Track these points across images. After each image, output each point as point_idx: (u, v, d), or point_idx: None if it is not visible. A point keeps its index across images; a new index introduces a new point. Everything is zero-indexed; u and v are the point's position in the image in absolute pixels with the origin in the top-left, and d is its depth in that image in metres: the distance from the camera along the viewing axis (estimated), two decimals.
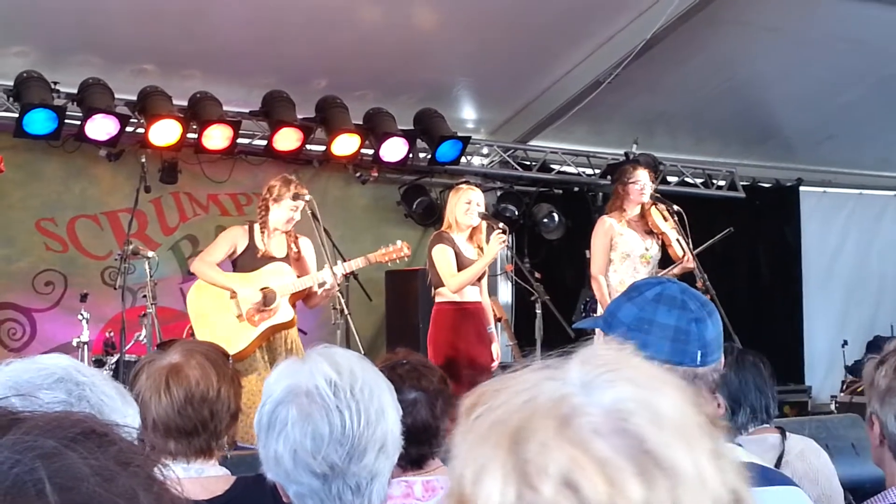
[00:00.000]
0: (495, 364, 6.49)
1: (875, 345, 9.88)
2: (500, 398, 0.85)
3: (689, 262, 6.53)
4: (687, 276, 6.48)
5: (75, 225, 7.73)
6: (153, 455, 0.79)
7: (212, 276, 6.02)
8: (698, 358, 1.91)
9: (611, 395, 0.82)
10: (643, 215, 6.78)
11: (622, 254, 6.68)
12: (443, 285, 6.42)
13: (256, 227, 6.13)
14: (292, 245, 6.17)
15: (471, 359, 6.36)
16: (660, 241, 6.78)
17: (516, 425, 0.81)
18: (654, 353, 1.90)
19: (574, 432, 0.80)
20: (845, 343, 10.13)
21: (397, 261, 6.49)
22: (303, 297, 6.18)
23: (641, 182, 6.73)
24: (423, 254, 8.57)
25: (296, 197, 6.04)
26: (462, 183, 7.03)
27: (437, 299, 6.53)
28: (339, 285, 6.11)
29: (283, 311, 6.05)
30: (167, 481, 0.77)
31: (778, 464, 3.06)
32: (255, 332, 5.98)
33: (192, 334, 6.20)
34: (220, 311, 5.98)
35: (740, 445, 2.00)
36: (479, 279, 6.51)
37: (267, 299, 5.99)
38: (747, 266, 10.55)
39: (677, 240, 6.59)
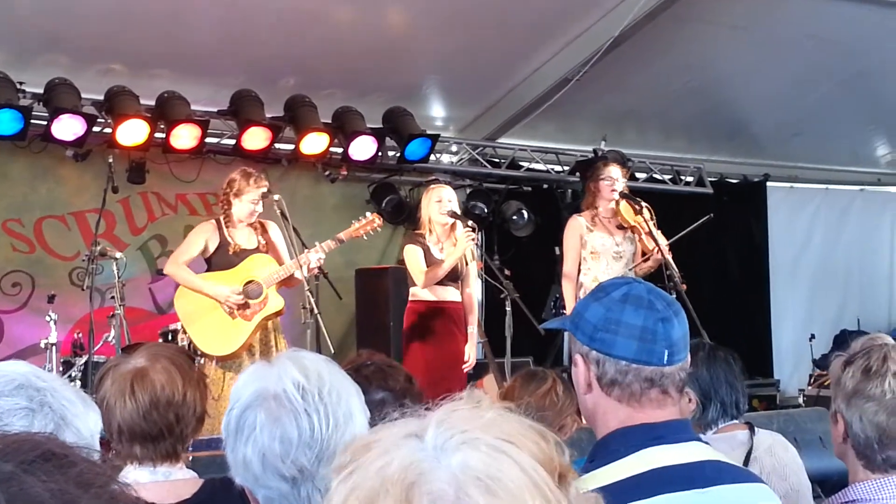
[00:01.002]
0: (468, 365, 6.49)
1: (842, 339, 10.00)
2: (363, 459, 0.90)
3: (659, 255, 6.55)
4: (660, 270, 6.53)
5: (42, 225, 7.66)
6: (116, 474, 0.78)
7: (189, 280, 6.01)
8: (665, 357, 1.91)
9: (457, 460, 0.89)
10: (615, 212, 6.81)
11: (592, 252, 6.70)
12: (415, 284, 6.43)
13: (223, 221, 6.13)
14: (260, 238, 6.18)
15: (442, 357, 6.36)
16: (633, 237, 6.79)
17: (368, 494, 0.87)
18: (621, 353, 1.91)
19: (416, 501, 0.86)
20: (812, 337, 10.23)
21: (371, 232, 6.48)
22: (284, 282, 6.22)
23: (612, 178, 6.75)
24: (392, 252, 8.55)
25: (265, 196, 6.05)
26: (433, 182, 7.02)
27: (410, 298, 6.54)
28: (308, 283, 6.12)
29: (274, 301, 6.09)
30: (131, 500, 0.76)
31: (747, 460, 3.08)
32: (251, 325, 6.02)
33: (174, 337, 6.21)
34: (210, 310, 5.99)
35: (707, 444, 2.00)
36: (458, 280, 6.51)
37: (253, 293, 5.99)
38: (715, 261, 10.61)
39: (649, 232, 6.62)
